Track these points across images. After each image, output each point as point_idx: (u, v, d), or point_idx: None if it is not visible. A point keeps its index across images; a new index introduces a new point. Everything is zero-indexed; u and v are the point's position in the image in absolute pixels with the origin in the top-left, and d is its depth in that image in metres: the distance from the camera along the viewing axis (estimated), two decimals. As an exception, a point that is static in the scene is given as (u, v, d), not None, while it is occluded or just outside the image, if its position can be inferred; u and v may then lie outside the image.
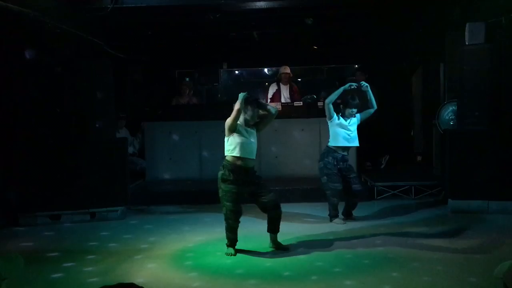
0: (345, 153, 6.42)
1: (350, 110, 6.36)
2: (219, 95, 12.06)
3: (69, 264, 5.01)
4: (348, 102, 6.37)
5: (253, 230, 5.90)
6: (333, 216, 6.46)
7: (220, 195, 5.18)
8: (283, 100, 9.39)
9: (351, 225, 6.36)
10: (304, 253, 5.20)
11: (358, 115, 6.44)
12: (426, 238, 5.69)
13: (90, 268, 4.88)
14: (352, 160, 8.47)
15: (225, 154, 5.15)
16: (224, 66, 11.78)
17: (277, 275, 4.63)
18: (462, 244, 5.41)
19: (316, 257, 5.05)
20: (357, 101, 6.37)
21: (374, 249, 5.29)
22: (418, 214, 6.97)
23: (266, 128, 8.32)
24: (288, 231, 6.00)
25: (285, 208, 7.19)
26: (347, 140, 6.37)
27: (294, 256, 5.14)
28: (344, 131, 6.36)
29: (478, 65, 6.95)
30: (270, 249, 5.33)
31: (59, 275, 4.72)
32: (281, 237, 5.53)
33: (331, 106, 6.35)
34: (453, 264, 4.78)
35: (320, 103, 8.68)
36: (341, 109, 6.46)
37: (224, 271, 4.77)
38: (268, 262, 4.98)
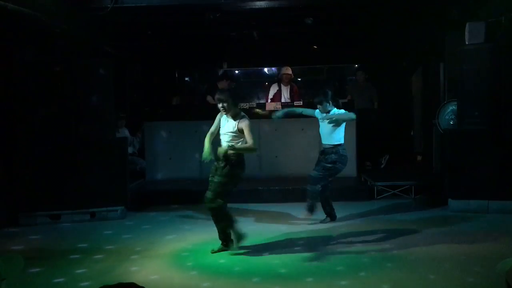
0: (326, 146, 6.36)
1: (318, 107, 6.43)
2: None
3: (67, 264, 5.01)
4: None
5: (252, 230, 5.91)
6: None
7: None
8: (283, 100, 9.41)
9: (351, 225, 6.35)
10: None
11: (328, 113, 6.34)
12: (431, 238, 5.68)
13: (89, 268, 4.88)
14: (352, 160, 8.51)
15: None
16: (224, 66, 11.78)
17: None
18: (463, 244, 5.42)
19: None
20: (316, 99, 6.41)
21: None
22: (418, 214, 6.96)
23: (267, 127, 8.38)
24: (289, 231, 6.01)
25: (285, 207, 7.27)
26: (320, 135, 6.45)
27: (296, 254, 5.14)
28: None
29: (478, 65, 6.95)
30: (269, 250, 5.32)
31: (58, 274, 4.72)
32: (282, 237, 5.54)
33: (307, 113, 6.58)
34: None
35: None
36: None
37: (224, 271, 4.77)
38: (270, 262, 4.95)
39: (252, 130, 5.10)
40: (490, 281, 4.13)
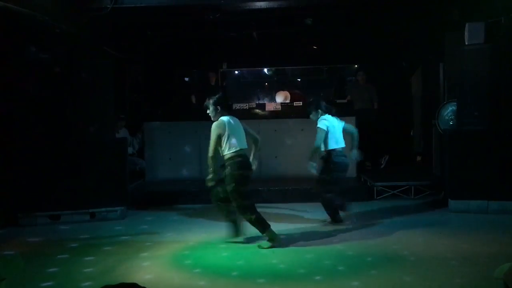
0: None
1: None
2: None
3: (68, 264, 5.02)
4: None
5: (251, 230, 5.91)
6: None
7: None
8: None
9: (350, 225, 6.34)
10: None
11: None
12: (431, 238, 5.68)
13: (90, 269, 4.88)
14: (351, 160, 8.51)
15: None
16: (224, 66, 11.79)
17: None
18: (463, 244, 5.42)
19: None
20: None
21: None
22: (418, 214, 6.97)
23: (267, 127, 8.40)
24: (289, 231, 6.01)
25: (285, 208, 7.26)
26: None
27: (296, 255, 5.14)
28: None
29: (478, 65, 6.96)
30: (271, 250, 5.34)
31: (57, 274, 4.72)
32: (281, 237, 5.54)
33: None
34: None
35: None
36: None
37: (224, 271, 4.76)
38: (270, 262, 4.96)
39: (213, 135, 5.22)
40: (490, 281, 4.13)
